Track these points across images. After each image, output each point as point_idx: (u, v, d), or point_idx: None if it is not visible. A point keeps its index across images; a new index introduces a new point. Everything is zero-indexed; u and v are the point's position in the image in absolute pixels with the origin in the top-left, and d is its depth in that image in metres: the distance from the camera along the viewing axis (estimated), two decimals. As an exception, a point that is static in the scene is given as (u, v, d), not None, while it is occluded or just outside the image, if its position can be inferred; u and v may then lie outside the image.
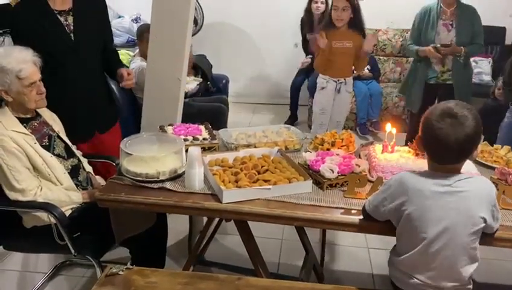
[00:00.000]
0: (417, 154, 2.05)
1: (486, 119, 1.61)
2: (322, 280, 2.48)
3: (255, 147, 2.19)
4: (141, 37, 3.54)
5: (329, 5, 3.36)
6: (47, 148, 2.08)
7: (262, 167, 1.95)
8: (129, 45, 4.94)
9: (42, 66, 2.06)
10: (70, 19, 2.36)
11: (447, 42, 3.26)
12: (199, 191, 1.84)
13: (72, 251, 1.99)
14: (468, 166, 1.98)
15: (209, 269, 2.57)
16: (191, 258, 2.24)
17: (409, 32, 3.78)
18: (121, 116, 2.85)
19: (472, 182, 1.51)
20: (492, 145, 2.25)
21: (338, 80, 3.33)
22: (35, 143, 2.02)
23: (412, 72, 3.58)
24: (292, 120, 4.96)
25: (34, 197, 1.96)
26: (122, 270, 1.77)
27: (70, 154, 2.20)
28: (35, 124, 2.09)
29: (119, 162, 2.03)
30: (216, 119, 3.67)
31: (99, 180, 2.34)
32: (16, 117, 2.02)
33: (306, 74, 4.80)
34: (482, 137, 1.52)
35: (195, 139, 2.21)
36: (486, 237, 1.59)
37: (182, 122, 2.69)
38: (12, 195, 1.95)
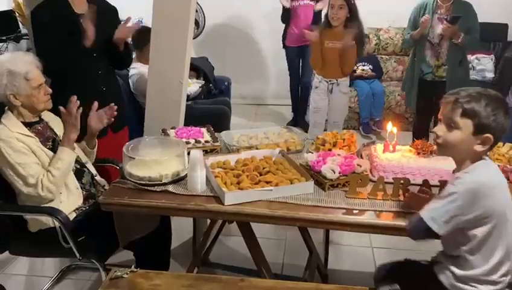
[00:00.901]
0: (419, 153, 2.06)
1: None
2: (326, 280, 2.48)
3: (257, 148, 2.20)
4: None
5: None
6: (51, 150, 2.10)
7: (263, 168, 1.97)
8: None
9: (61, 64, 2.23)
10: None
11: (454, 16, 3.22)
12: (201, 194, 1.85)
13: (77, 255, 2.01)
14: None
15: (213, 270, 2.58)
16: (194, 260, 2.25)
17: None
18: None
19: None
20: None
21: (330, 81, 3.31)
22: (39, 144, 2.05)
23: (409, 69, 3.57)
24: (295, 121, 4.96)
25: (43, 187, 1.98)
26: (127, 273, 1.79)
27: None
28: (39, 127, 2.12)
29: (122, 166, 2.05)
30: (219, 121, 3.68)
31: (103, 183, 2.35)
32: (20, 121, 2.05)
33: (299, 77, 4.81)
34: None
35: (197, 142, 2.22)
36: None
37: (185, 125, 2.71)
38: (28, 190, 1.97)
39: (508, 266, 1.50)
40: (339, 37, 3.15)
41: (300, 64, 4.75)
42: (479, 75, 4.77)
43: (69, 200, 2.09)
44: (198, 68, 4.26)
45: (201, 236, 2.50)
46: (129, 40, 4.58)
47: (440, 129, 1.51)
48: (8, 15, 5.14)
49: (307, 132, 4.16)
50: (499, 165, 1.98)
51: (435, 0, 3.34)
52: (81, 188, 2.17)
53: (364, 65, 4.89)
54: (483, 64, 4.85)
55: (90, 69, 2.56)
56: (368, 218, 1.74)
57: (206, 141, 2.25)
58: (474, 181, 1.43)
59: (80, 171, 2.18)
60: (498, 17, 4.76)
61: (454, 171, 1.58)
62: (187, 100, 3.39)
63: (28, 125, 2.06)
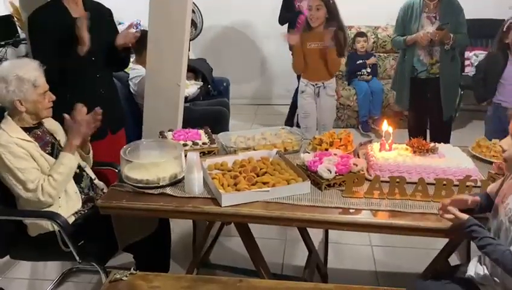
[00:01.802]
0: (415, 152, 2.07)
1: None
2: (325, 279, 2.49)
3: (254, 149, 2.21)
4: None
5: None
6: (50, 155, 2.12)
7: (261, 169, 1.98)
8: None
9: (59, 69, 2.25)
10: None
11: (442, 26, 3.22)
12: (199, 196, 1.86)
13: (77, 258, 2.02)
14: (464, 161, 2.00)
15: (213, 271, 2.59)
16: (194, 261, 2.27)
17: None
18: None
19: None
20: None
21: (316, 84, 3.25)
22: (39, 150, 2.06)
23: (399, 68, 3.56)
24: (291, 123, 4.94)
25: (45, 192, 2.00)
26: (126, 276, 1.80)
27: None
28: (38, 132, 2.13)
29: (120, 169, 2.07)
30: (218, 122, 3.70)
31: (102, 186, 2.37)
32: (20, 126, 2.06)
33: None
34: None
35: (194, 144, 2.24)
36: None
37: (184, 126, 2.72)
38: (27, 195, 1.98)
39: None
40: (320, 38, 3.09)
41: None
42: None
43: (68, 205, 2.10)
44: (197, 69, 4.27)
45: (201, 237, 2.51)
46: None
47: (506, 143, 1.48)
48: (7, 20, 5.15)
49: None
50: (495, 162, 2.00)
51: None
52: (80, 192, 2.19)
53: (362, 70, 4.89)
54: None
55: (88, 73, 2.57)
56: (364, 217, 1.75)
57: (204, 143, 2.26)
58: None
59: (78, 176, 2.20)
60: (495, 13, 4.76)
61: None
62: (186, 102, 3.41)
63: (27, 130, 2.07)
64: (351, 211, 1.77)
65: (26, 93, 1.99)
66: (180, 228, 2.68)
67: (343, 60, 4.56)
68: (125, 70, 3.41)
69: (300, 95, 3.36)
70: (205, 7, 5.21)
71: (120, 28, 5.09)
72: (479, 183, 1.84)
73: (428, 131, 3.58)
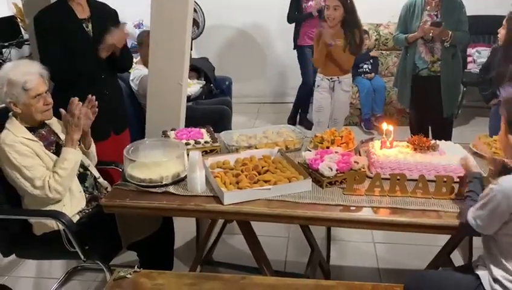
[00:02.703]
0: (415, 149, 2.08)
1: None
2: (328, 276, 2.51)
3: (256, 148, 2.23)
4: (141, 43, 3.59)
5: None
6: (55, 154, 2.14)
7: (262, 167, 1.99)
8: (132, 50, 5.00)
9: (66, 69, 2.30)
10: (90, 26, 2.55)
11: (437, 21, 3.23)
12: (201, 194, 1.88)
13: (81, 257, 2.05)
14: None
15: (216, 269, 2.61)
16: (196, 259, 2.28)
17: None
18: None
19: None
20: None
21: (331, 78, 3.33)
22: (44, 149, 2.09)
23: (401, 66, 3.57)
24: (298, 119, 4.97)
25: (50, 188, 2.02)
26: (130, 274, 1.83)
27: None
28: (43, 132, 2.15)
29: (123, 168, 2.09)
30: (220, 121, 3.71)
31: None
32: (24, 126, 2.09)
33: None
34: None
35: (197, 142, 2.26)
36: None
37: (187, 125, 2.74)
38: (36, 192, 2.01)
39: None
40: (338, 36, 3.17)
41: None
42: (479, 68, 4.76)
43: (72, 203, 2.12)
44: (199, 69, 4.28)
45: (204, 235, 2.53)
46: (131, 42, 4.67)
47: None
48: (10, 21, 5.19)
49: (309, 129, 4.19)
50: (495, 159, 2.00)
51: None
52: (84, 191, 2.21)
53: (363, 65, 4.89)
54: (483, 57, 4.84)
55: (92, 74, 2.58)
56: (365, 214, 1.76)
57: (206, 142, 2.28)
58: None
59: (82, 175, 2.22)
60: (497, 9, 4.74)
61: None
62: (188, 101, 3.42)
63: (32, 130, 2.10)
64: (352, 208, 1.78)
65: (17, 96, 2.01)
66: (183, 226, 2.70)
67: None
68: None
69: (316, 89, 3.43)
70: (207, 6, 5.23)
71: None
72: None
73: (430, 128, 3.58)
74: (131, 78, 3.49)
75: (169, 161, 2.00)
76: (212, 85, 4.32)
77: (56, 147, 2.17)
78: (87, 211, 2.18)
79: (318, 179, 1.92)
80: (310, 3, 4.47)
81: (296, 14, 4.51)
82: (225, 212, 1.81)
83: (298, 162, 2.04)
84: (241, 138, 2.35)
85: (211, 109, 3.93)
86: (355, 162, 1.96)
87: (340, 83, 3.33)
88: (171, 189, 1.92)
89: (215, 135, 2.38)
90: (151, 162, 1.99)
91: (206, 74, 4.29)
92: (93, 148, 2.33)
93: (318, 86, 3.41)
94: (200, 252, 2.32)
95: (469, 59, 4.93)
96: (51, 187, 2.01)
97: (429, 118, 3.54)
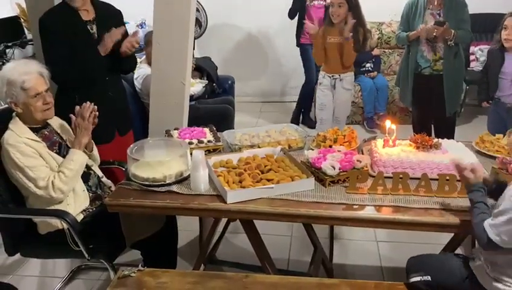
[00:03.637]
0: (418, 148, 2.08)
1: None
2: (331, 275, 2.51)
3: (259, 147, 2.23)
4: (148, 42, 3.60)
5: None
6: (57, 154, 2.15)
7: (265, 166, 2.00)
8: (135, 50, 5.01)
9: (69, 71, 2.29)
10: (94, 28, 2.56)
11: (441, 21, 3.22)
12: (205, 193, 1.89)
13: (86, 256, 2.06)
14: (467, 156, 2.01)
15: (220, 267, 2.62)
16: (200, 257, 2.30)
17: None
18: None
19: None
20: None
21: (333, 76, 3.35)
22: (47, 149, 2.10)
23: (403, 65, 3.56)
24: (301, 118, 4.96)
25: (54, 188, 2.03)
26: (134, 272, 1.84)
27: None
28: (46, 132, 2.17)
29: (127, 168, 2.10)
30: (223, 120, 3.72)
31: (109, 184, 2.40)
32: (27, 126, 2.10)
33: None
34: None
35: (200, 142, 2.26)
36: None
37: (190, 125, 2.74)
38: (40, 192, 2.02)
39: None
40: (340, 33, 3.20)
41: None
42: (482, 66, 4.75)
43: (76, 203, 2.14)
44: (202, 68, 4.29)
45: (207, 234, 2.54)
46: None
47: None
48: (14, 21, 5.21)
49: (313, 128, 4.19)
50: (498, 157, 2.01)
51: None
52: (88, 190, 2.22)
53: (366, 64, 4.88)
54: (485, 56, 4.83)
55: (97, 75, 2.58)
56: (368, 213, 1.77)
57: (209, 141, 2.29)
58: None
59: (86, 174, 2.23)
60: (500, 7, 4.73)
61: None
62: (191, 100, 3.43)
63: (34, 130, 2.11)
64: (354, 207, 1.79)
65: (17, 96, 2.02)
66: (186, 225, 2.71)
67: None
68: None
69: (318, 87, 3.46)
70: (209, 6, 5.24)
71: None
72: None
73: (432, 127, 3.58)
74: (135, 76, 3.50)
75: (172, 160, 2.01)
76: (214, 84, 4.33)
77: (59, 147, 2.19)
78: (91, 210, 2.20)
79: (321, 177, 1.93)
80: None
81: (293, 7, 4.47)
82: (228, 211, 1.82)
83: (301, 161, 2.05)
84: (244, 137, 2.36)
85: (214, 108, 3.95)
86: (358, 160, 1.97)
87: (341, 81, 3.34)
88: (174, 188, 1.93)
89: (218, 134, 2.39)
90: (155, 162, 2.00)
91: (209, 73, 4.30)
92: (95, 151, 2.35)
93: (320, 83, 3.43)
94: (203, 251, 2.34)
95: (472, 57, 4.92)
96: (55, 187, 2.02)
97: (432, 117, 3.54)
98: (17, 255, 2.24)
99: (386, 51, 5.22)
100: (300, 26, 4.56)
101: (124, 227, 2.01)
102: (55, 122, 2.25)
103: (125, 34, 2.64)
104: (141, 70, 3.51)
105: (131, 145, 2.09)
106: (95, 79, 2.56)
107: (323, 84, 3.40)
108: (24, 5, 4.44)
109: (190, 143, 2.23)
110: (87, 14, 2.55)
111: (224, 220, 2.64)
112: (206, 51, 5.31)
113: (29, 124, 2.10)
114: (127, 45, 2.58)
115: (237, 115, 4.27)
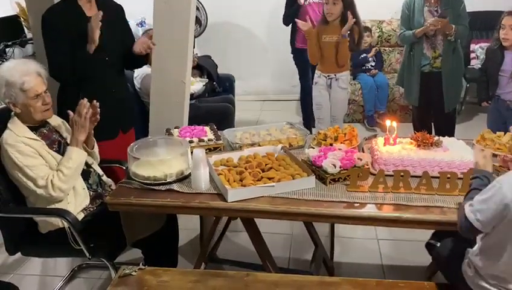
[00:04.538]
0: (419, 146, 2.08)
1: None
2: (332, 273, 2.51)
3: (259, 145, 2.23)
4: None
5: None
6: (57, 153, 2.15)
7: (266, 165, 2.00)
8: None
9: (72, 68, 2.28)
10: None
11: (443, 15, 3.22)
12: (206, 191, 1.89)
13: (87, 254, 2.06)
14: (468, 154, 2.01)
15: (221, 266, 2.62)
16: (201, 256, 2.30)
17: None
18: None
19: None
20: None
21: (328, 76, 3.32)
22: (46, 148, 2.10)
23: (406, 63, 3.56)
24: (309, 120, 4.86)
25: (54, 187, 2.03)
26: (135, 271, 1.84)
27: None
28: (45, 131, 2.16)
29: (127, 166, 2.10)
30: (223, 119, 3.72)
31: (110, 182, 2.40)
32: (26, 125, 2.10)
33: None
34: None
35: (200, 140, 2.26)
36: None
37: (190, 123, 2.75)
38: (39, 191, 2.02)
39: None
40: (335, 32, 3.17)
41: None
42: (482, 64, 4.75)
43: (76, 201, 2.14)
44: (202, 67, 4.29)
45: (208, 233, 2.54)
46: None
47: None
48: (13, 20, 5.20)
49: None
50: (499, 155, 2.01)
51: None
52: (88, 188, 2.22)
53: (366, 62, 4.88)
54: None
55: (100, 72, 2.56)
56: (369, 211, 1.77)
57: (209, 140, 2.29)
58: None
59: (86, 172, 2.23)
60: (500, 5, 4.72)
61: None
62: (191, 99, 3.43)
63: (33, 129, 2.11)
64: (355, 205, 1.79)
65: (16, 97, 2.01)
66: (187, 223, 2.71)
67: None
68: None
69: (314, 86, 3.44)
70: (209, 4, 5.23)
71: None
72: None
73: (433, 125, 3.58)
74: (134, 75, 3.50)
75: (173, 158, 2.01)
76: (215, 83, 4.33)
77: (58, 146, 2.18)
78: (91, 208, 2.20)
79: (322, 176, 1.93)
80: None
81: (288, 11, 4.21)
82: (229, 209, 1.82)
83: (302, 159, 2.05)
84: (245, 135, 2.36)
85: (214, 107, 3.95)
86: (358, 158, 1.97)
87: (337, 80, 3.32)
88: (175, 187, 1.93)
89: (219, 132, 2.39)
90: (155, 160, 2.00)
91: (209, 71, 4.29)
92: (96, 148, 2.34)
93: (316, 83, 3.41)
94: (204, 249, 2.34)
95: (472, 55, 4.91)
96: (55, 186, 2.02)
97: (431, 114, 3.54)
98: (18, 254, 2.24)
99: (387, 49, 5.21)
100: (294, 32, 4.32)
101: (125, 226, 2.01)
102: (55, 120, 2.25)
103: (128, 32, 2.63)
104: (140, 70, 3.51)
105: (131, 144, 2.09)
106: (97, 76, 2.54)
107: (319, 83, 3.38)
108: (24, 4, 4.44)
109: (191, 142, 2.22)
110: (90, 9, 2.52)
111: (224, 219, 2.64)
112: (206, 49, 5.29)
113: (27, 124, 2.10)
114: (143, 46, 2.55)
115: (237, 114, 4.27)
